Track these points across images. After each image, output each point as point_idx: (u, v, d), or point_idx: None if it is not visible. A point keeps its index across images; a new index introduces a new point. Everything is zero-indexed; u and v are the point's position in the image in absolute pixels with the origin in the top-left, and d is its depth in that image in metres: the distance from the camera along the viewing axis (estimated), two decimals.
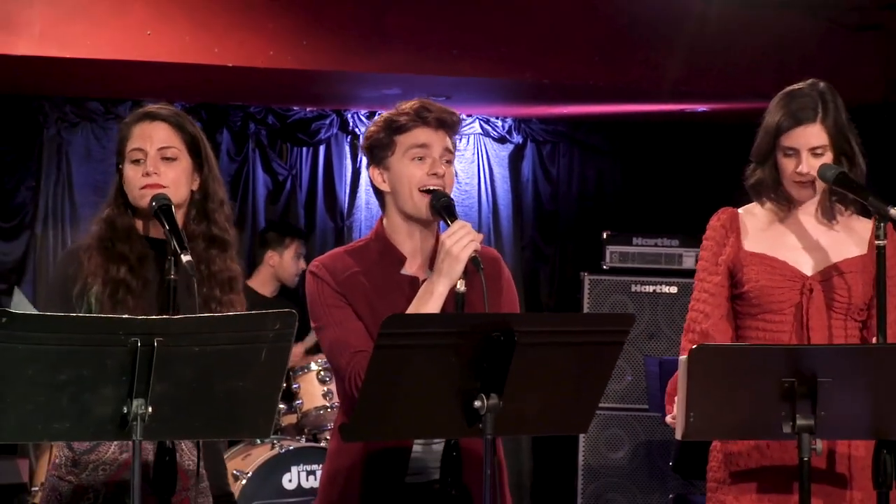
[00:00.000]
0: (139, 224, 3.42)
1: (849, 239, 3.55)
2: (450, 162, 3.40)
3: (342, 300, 3.36)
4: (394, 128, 3.37)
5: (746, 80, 6.99)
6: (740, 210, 3.62)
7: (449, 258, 3.23)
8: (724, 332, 3.54)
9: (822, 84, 3.51)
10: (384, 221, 3.46)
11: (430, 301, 3.25)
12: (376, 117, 3.44)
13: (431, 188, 3.35)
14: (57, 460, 3.40)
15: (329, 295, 3.37)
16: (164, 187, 3.34)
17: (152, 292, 3.36)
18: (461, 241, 3.23)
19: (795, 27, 6.97)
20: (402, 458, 3.35)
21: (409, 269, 3.42)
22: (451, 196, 3.37)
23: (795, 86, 3.53)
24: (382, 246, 3.42)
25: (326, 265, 3.40)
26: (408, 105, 3.39)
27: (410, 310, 3.28)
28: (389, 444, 3.34)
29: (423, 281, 3.36)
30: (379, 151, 3.41)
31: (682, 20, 6.74)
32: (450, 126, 3.39)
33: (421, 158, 3.36)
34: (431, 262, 3.39)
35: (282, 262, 7.14)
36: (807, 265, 3.53)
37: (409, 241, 3.42)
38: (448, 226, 3.29)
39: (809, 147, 3.46)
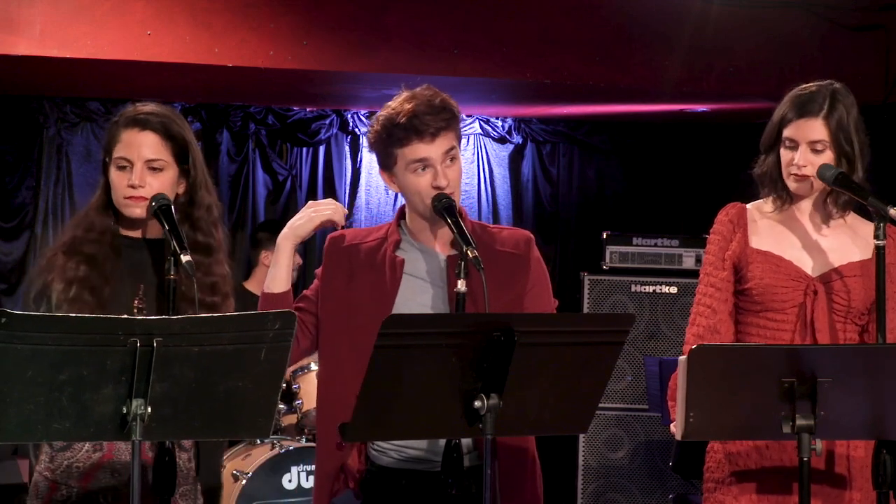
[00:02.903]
0: (122, 225, 3.43)
1: (852, 242, 3.55)
2: (454, 159, 3.41)
3: (321, 270, 3.51)
4: (392, 140, 3.38)
5: (746, 80, 6.99)
6: (748, 206, 3.62)
7: (305, 213, 3.43)
8: (729, 329, 3.54)
9: (836, 84, 3.51)
10: (406, 209, 3.53)
11: (278, 256, 3.44)
12: (375, 117, 3.44)
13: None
14: (43, 457, 3.42)
15: (318, 272, 3.54)
16: (147, 199, 3.35)
17: (117, 289, 3.38)
18: (324, 208, 3.43)
19: (795, 27, 6.96)
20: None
21: (437, 247, 3.47)
22: (455, 192, 3.41)
23: (810, 83, 3.54)
24: (393, 227, 3.52)
25: (338, 233, 3.54)
26: (403, 108, 3.36)
27: (269, 270, 3.47)
28: None
29: (449, 256, 3.44)
30: (383, 159, 3.45)
31: (682, 20, 6.73)
32: (447, 128, 3.39)
33: (423, 169, 3.38)
34: (453, 243, 3.44)
35: None
36: (811, 266, 3.53)
37: (430, 231, 3.48)
38: (450, 227, 3.32)
39: (808, 140, 3.47)
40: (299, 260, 7.20)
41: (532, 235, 3.59)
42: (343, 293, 3.45)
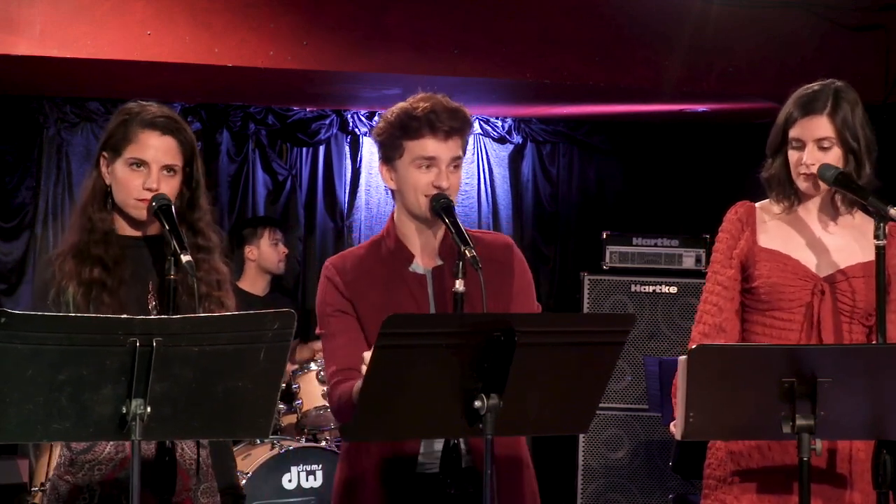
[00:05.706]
0: (121, 223, 3.44)
1: (858, 243, 3.55)
2: (457, 167, 3.43)
3: (345, 303, 3.42)
4: (404, 131, 3.39)
5: (746, 80, 6.99)
6: (757, 205, 3.63)
7: None
8: (735, 327, 3.55)
9: (839, 83, 3.53)
10: (395, 216, 3.51)
11: None
12: (388, 111, 3.45)
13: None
14: (59, 460, 3.43)
15: (332, 301, 3.43)
16: None
17: (131, 290, 3.38)
18: None
19: (795, 27, 6.96)
20: (411, 450, 3.40)
21: (419, 263, 3.47)
22: (453, 199, 3.40)
23: (813, 83, 3.55)
24: (394, 243, 3.48)
25: (337, 265, 3.48)
26: (420, 105, 3.39)
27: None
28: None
29: (434, 268, 3.44)
30: (388, 151, 3.45)
31: (682, 20, 6.73)
32: (460, 132, 3.42)
33: (427, 167, 3.38)
34: (440, 252, 3.46)
35: (261, 253, 7.14)
36: (818, 266, 3.53)
37: (418, 236, 3.48)
38: (448, 226, 3.31)
39: (815, 138, 3.47)
40: (285, 249, 7.21)
41: (511, 241, 3.61)
42: (378, 308, 3.38)
